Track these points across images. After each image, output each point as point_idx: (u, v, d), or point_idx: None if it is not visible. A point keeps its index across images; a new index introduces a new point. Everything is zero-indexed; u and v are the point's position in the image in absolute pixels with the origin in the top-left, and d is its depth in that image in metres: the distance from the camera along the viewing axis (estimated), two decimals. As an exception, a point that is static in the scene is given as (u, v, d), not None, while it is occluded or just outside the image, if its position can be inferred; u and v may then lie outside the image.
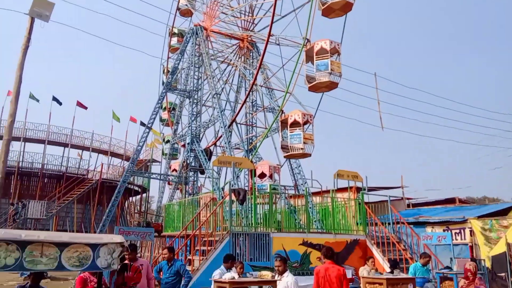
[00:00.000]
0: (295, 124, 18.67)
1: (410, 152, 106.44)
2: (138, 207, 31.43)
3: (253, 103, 23.51)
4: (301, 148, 18.46)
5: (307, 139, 18.66)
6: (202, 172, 22.51)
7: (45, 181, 27.24)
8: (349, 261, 12.33)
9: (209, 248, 10.77)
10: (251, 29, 23.83)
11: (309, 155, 18.69)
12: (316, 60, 17.83)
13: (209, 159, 21.34)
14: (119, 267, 5.01)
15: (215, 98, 21.17)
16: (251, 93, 22.51)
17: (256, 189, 15.15)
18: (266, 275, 6.55)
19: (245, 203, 12.64)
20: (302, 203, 15.62)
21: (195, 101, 23.23)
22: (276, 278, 6.24)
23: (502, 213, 13.20)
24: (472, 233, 12.01)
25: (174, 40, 26.23)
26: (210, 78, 21.90)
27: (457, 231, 12.49)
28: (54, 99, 27.53)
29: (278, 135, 20.13)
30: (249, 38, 23.44)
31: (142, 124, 28.49)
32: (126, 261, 6.41)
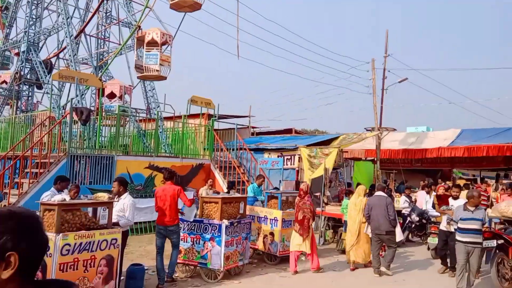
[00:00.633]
0: (152, 43, 17.60)
1: (260, 83, 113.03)
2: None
3: (108, 14, 21.00)
4: (157, 70, 17.73)
5: (164, 60, 17.93)
6: (40, 87, 19.85)
7: None
8: (193, 183, 13.04)
9: (41, 170, 9.96)
10: None
11: (165, 78, 18.14)
12: (181, -24, 16.71)
13: (49, 72, 18.83)
14: None
15: (60, 1, 18.26)
16: (105, 1, 20.07)
17: (103, 110, 14.26)
18: (102, 196, 6.49)
19: (89, 124, 11.87)
20: (153, 127, 15.47)
21: (34, 2, 19.67)
22: (114, 199, 6.24)
23: (327, 143, 15.45)
24: (300, 159, 13.84)
25: None
26: (52, -24, 18.63)
27: (289, 157, 14.28)
28: None
29: (133, 53, 18.82)
30: None
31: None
32: None
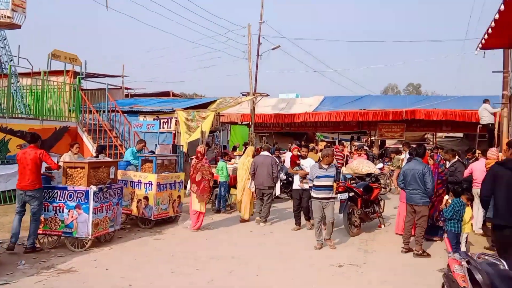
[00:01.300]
0: (1, -16, 14.91)
1: (134, 42, 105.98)
2: None
3: None
4: (8, 17, 15.27)
5: (17, 6, 15.47)
6: None
7: None
8: (56, 148, 11.80)
9: None
10: None
11: (19, 26, 15.73)
12: None
13: None
14: None
15: None
16: None
17: None
18: None
19: None
20: (5, 84, 13.35)
21: None
22: None
23: (204, 106, 15.47)
24: (177, 122, 13.62)
25: None
26: None
27: (165, 120, 13.91)
28: None
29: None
30: None
31: None
32: None
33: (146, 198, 8.23)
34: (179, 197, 8.88)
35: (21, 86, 15.38)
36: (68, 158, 8.14)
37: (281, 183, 10.90)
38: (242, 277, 5.53)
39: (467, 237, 6.47)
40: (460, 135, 23.05)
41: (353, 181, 10.29)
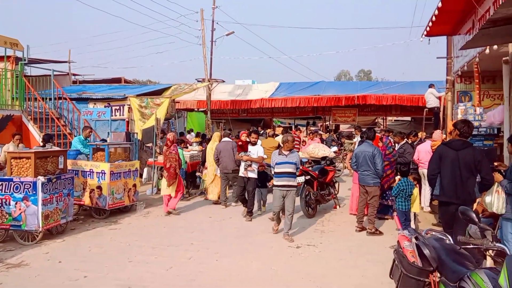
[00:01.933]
0: None
1: (81, 25, 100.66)
2: None
3: None
4: None
5: None
6: None
7: None
8: (0, 138, 11.06)
9: None
10: None
11: None
12: None
13: None
14: None
15: None
16: None
17: None
18: None
19: None
20: None
21: None
22: None
23: (158, 93, 15.05)
24: (130, 109, 13.17)
25: None
26: None
27: (117, 107, 13.40)
28: None
29: None
30: None
31: None
32: None
33: (99, 187, 7.95)
34: (134, 185, 8.66)
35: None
36: (12, 149, 7.67)
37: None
38: (201, 262, 5.53)
39: (415, 215, 6.84)
40: (408, 118, 24.20)
41: (309, 165, 10.51)
